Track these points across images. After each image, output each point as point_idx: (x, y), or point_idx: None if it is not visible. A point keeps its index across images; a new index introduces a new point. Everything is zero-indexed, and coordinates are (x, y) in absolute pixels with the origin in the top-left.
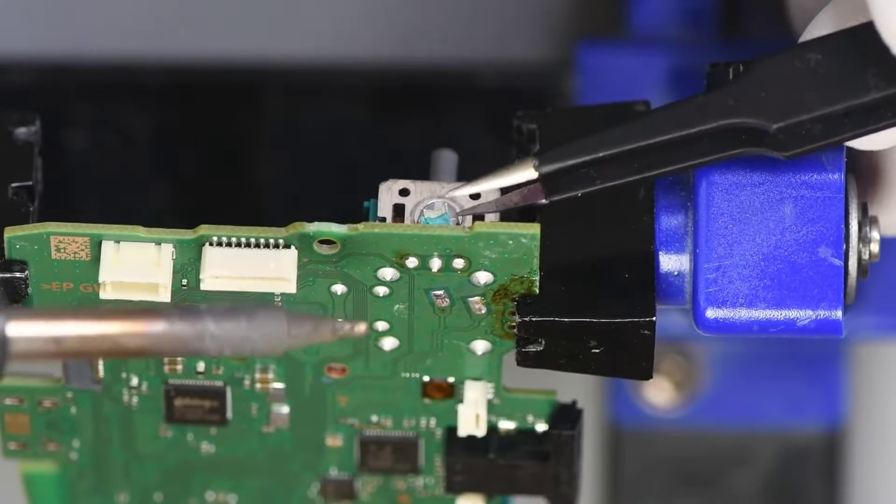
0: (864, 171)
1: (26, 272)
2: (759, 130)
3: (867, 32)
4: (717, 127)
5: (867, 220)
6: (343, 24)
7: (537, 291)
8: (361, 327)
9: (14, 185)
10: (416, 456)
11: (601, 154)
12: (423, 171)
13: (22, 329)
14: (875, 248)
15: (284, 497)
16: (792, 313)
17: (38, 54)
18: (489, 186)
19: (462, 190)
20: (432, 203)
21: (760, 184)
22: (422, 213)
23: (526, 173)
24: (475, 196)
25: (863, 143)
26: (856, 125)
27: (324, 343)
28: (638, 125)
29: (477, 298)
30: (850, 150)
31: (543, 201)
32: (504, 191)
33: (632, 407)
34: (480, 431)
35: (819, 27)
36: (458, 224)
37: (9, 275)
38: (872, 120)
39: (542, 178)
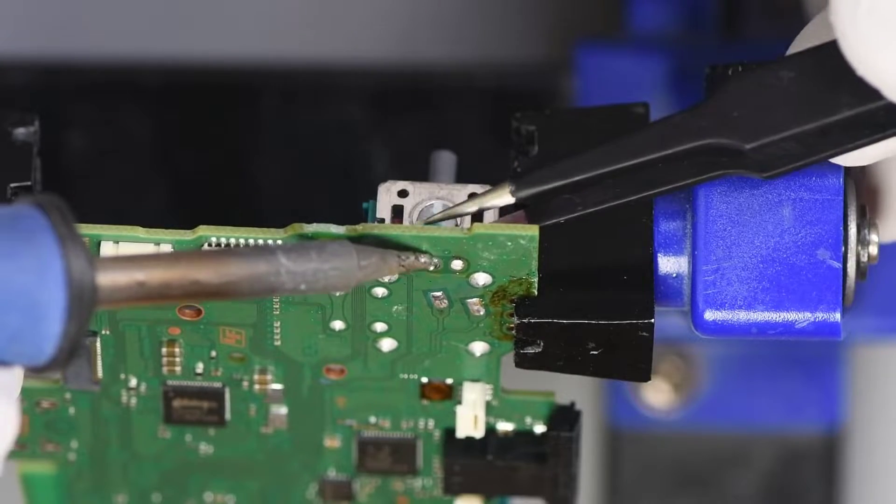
0: (861, 180)
1: None
2: (734, 150)
3: (839, 49)
4: (692, 148)
5: (866, 222)
6: (343, 24)
7: (536, 293)
8: (424, 258)
9: (13, 185)
10: (414, 457)
11: (577, 178)
12: (422, 172)
13: (108, 277)
14: (874, 250)
15: (283, 498)
16: (790, 315)
17: (37, 55)
18: (466, 211)
19: (440, 216)
20: (431, 204)
21: (759, 186)
22: (415, 206)
23: (503, 198)
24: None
25: (845, 160)
26: (834, 143)
27: (391, 276)
28: (612, 148)
29: (475, 300)
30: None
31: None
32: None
33: (630, 408)
34: (479, 433)
35: (800, 46)
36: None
37: None
38: (850, 137)
39: (522, 204)
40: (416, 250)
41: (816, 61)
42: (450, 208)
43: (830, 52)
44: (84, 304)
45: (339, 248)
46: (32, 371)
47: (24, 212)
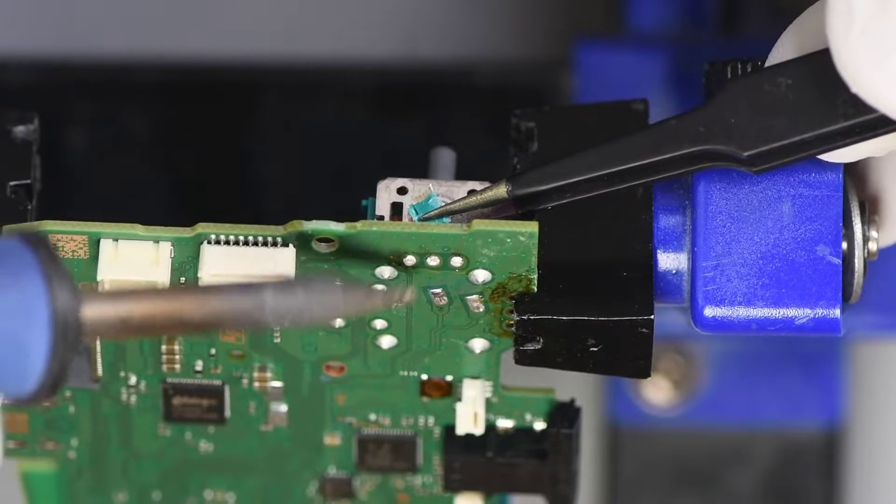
0: (861, 177)
1: None
2: (731, 156)
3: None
4: (689, 153)
5: (866, 218)
6: (343, 23)
7: (535, 290)
8: (409, 294)
9: (12, 183)
10: (414, 454)
11: (574, 179)
12: (421, 170)
13: (93, 313)
14: (873, 246)
15: (283, 496)
16: (790, 312)
17: (37, 53)
18: (463, 210)
19: (436, 213)
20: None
21: (758, 182)
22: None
23: (499, 196)
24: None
25: (830, 157)
26: (824, 143)
27: (374, 311)
28: (610, 151)
29: (475, 297)
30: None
31: (512, 211)
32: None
33: (630, 405)
34: (479, 430)
35: (783, 49)
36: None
37: None
38: (839, 138)
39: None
40: (401, 287)
41: (813, 68)
42: (447, 205)
43: (827, 60)
44: (68, 342)
45: (326, 286)
46: (15, 403)
47: (10, 248)
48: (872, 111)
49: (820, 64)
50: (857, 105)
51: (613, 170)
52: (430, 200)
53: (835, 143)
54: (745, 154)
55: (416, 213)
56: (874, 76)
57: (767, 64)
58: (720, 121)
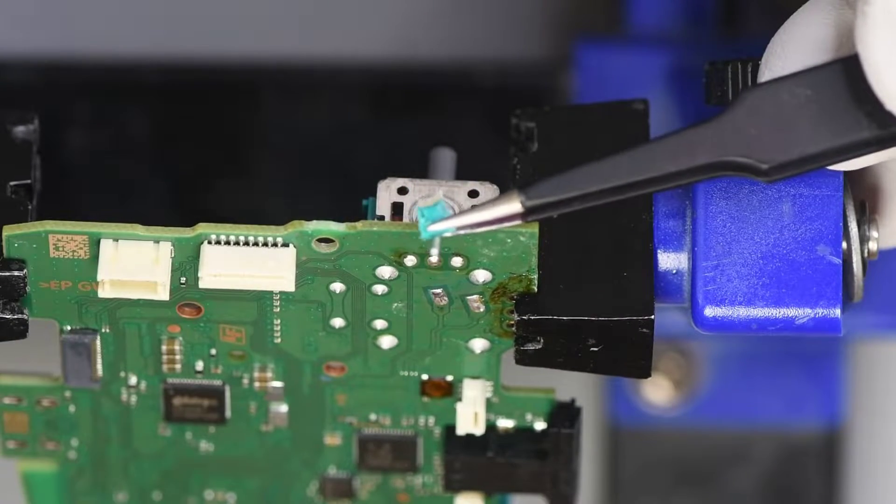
0: (861, 176)
1: (25, 271)
2: (750, 168)
3: (858, 68)
4: (708, 164)
5: (865, 218)
6: (343, 23)
7: (536, 290)
8: None
9: (13, 183)
10: (414, 454)
11: (591, 190)
12: (421, 170)
13: None
14: (874, 246)
15: (283, 496)
16: (790, 311)
17: (37, 53)
18: (474, 220)
19: (446, 223)
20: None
21: (759, 182)
22: (415, 203)
23: (511, 206)
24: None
25: (838, 165)
26: (845, 153)
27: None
28: (626, 161)
29: (475, 297)
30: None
31: (519, 221)
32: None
33: (630, 405)
34: (479, 430)
35: (784, 58)
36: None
37: (7, 273)
38: (860, 148)
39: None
40: None
41: (832, 80)
42: (456, 216)
43: (846, 71)
44: None
45: None
46: None
47: None
48: None
49: (838, 74)
50: (881, 120)
51: (631, 180)
52: (439, 207)
53: (855, 153)
54: (766, 167)
55: (424, 217)
56: None
57: (764, 67)
58: (739, 132)
